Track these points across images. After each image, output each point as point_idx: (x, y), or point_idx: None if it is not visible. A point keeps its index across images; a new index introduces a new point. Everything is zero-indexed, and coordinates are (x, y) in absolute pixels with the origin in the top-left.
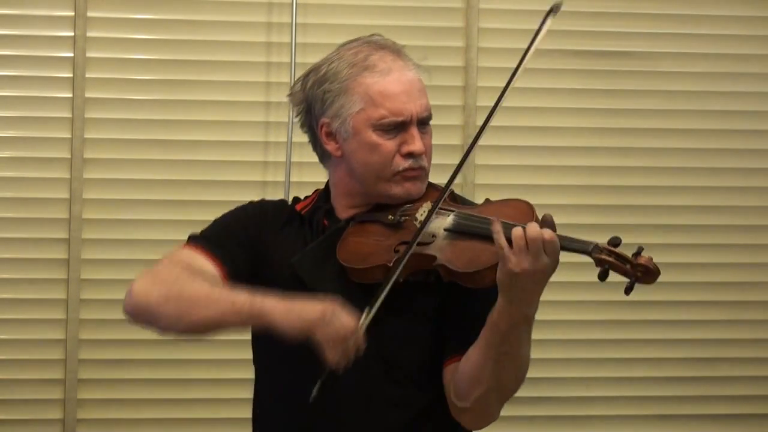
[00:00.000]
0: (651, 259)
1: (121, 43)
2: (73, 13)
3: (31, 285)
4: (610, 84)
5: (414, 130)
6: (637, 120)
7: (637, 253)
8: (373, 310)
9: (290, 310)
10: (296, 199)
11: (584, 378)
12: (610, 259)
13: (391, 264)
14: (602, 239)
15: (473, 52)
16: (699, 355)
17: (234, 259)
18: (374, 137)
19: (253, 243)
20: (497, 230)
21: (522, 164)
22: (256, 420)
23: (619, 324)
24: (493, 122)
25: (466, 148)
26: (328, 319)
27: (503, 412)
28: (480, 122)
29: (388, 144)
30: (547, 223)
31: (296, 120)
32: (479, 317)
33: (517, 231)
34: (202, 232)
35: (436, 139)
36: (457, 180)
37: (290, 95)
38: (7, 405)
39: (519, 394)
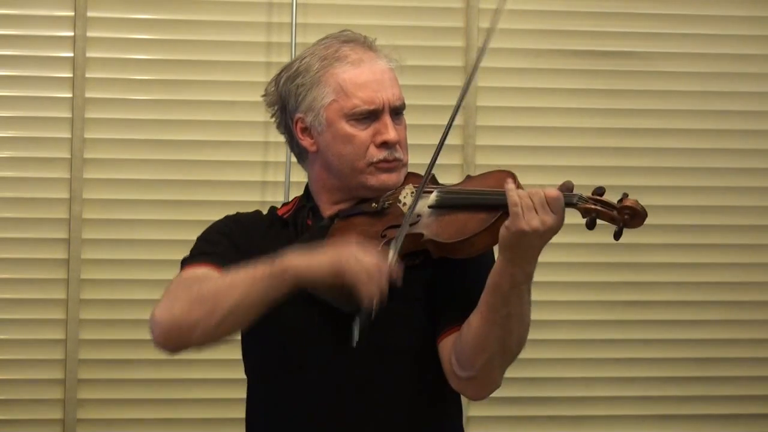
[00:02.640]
0: (637, 201)
1: (121, 43)
2: (73, 13)
3: (31, 285)
4: (610, 84)
5: (387, 119)
6: (637, 120)
7: (622, 199)
8: (400, 240)
9: (312, 260)
10: (273, 208)
11: (584, 378)
12: (596, 207)
13: (379, 249)
14: (602, 239)
15: (473, 52)
16: (699, 355)
17: (231, 263)
18: (347, 128)
19: (239, 251)
20: (511, 187)
21: (522, 164)
22: (251, 422)
23: (619, 324)
24: (493, 122)
25: (466, 148)
26: (354, 258)
27: (504, 412)
28: (480, 122)
29: (362, 134)
30: (566, 187)
31: (272, 120)
32: (472, 287)
33: (521, 191)
34: (191, 252)
35: (437, 139)
36: (458, 180)
37: (264, 95)
38: (7, 405)
39: (519, 394)
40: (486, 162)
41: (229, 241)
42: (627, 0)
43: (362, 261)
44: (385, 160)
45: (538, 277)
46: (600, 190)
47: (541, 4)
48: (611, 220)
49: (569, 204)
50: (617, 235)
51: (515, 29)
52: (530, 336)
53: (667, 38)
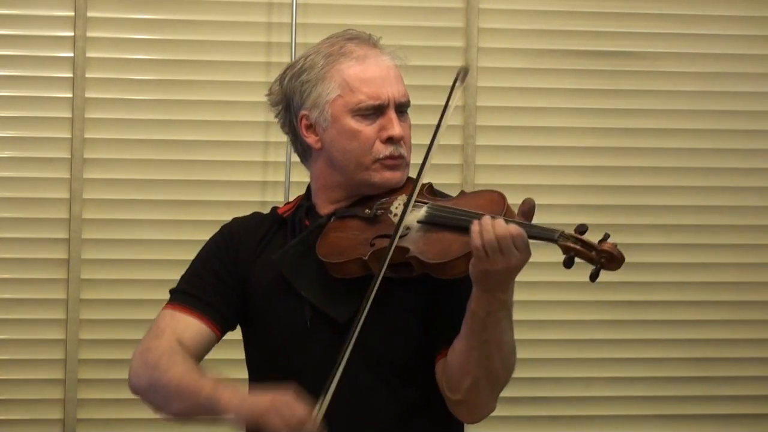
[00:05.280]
0: (615, 245)
1: (121, 43)
2: (73, 13)
3: (31, 285)
4: (610, 84)
5: (392, 114)
6: (637, 120)
7: (602, 240)
8: (327, 398)
9: (243, 402)
10: (275, 208)
11: (584, 378)
12: (576, 246)
13: (366, 257)
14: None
15: (473, 52)
16: (699, 355)
17: (216, 306)
18: (353, 123)
19: (232, 270)
20: (476, 230)
21: (522, 164)
22: None
23: (619, 324)
24: (493, 122)
25: (466, 147)
26: (278, 409)
27: (504, 412)
28: (480, 122)
29: (367, 130)
30: (526, 206)
31: (276, 120)
32: (463, 309)
33: (487, 234)
34: (180, 283)
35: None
36: (457, 180)
37: (268, 95)
38: (7, 405)
39: (519, 394)
40: (486, 162)
41: (222, 268)
42: (627, 0)
43: (285, 413)
44: (390, 157)
45: (537, 276)
46: (582, 228)
47: (541, 4)
48: (589, 260)
49: (550, 239)
50: (593, 277)
51: (515, 29)
52: (530, 336)
53: (667, 38)
